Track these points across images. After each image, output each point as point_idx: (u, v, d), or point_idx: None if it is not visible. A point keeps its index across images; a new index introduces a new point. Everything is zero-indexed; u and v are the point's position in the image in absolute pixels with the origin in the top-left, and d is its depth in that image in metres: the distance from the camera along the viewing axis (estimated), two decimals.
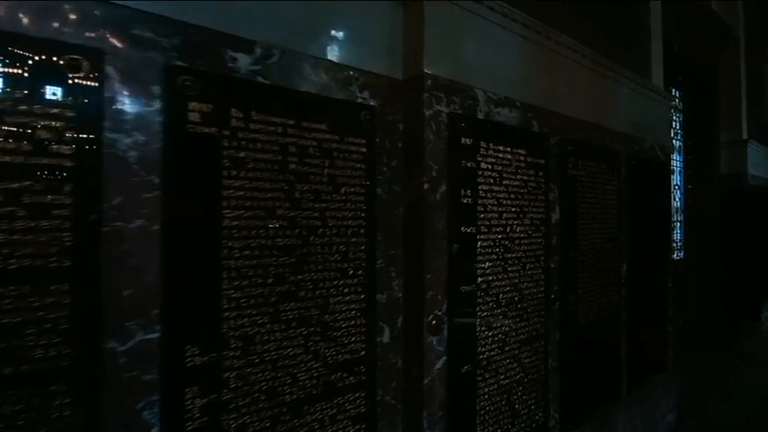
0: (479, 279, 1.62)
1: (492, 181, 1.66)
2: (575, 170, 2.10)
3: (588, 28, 2.69)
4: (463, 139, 1.57)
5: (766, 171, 5.25)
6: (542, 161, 1.90)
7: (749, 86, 4.93)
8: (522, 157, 1.80)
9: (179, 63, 1.08)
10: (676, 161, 4.39)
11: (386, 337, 1.49)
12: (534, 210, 1.86)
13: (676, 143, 4.40)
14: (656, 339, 2.85)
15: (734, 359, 4.19)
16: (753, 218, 4.53)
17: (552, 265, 1.97)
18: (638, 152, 2.65)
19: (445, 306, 1.52)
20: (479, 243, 1.61)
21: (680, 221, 4.43)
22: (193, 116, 1.09)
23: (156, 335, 1.04)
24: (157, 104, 1.05)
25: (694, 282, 4.50)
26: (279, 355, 1.22)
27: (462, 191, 1.56)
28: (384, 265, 1.48)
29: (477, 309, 1.61)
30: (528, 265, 1.82)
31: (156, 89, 1.05)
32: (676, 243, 4.36)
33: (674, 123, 4.37)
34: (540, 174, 1.89)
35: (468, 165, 1.58)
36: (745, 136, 4.64)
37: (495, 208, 1.67)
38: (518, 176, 1.78)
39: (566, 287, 2.04)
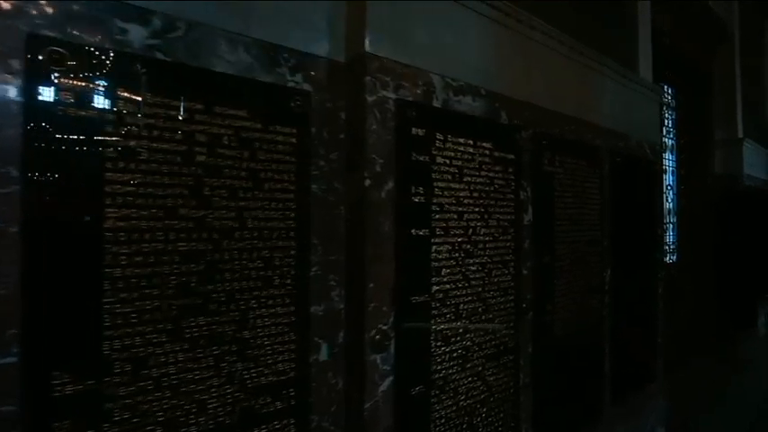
0: (435, 288, 1.43)
1: (450, 177, 1.48)
2: (551, 167, 1.92)
3: (571, 18, 2.52)
4: (415, 129, 1.38)
5: (763, 171, 5.08)
6: (512, 156, 1.72)
7: (745, 84, 4.76)
8: (487, 152, 1.61)
9: (47, 33, 0.90)
10: (669, 160, 4.21)
11: (323, 355, 1.30)
12: (502, 210, 1.67)
13: (669, 142, 4.22)
14: (645, 349, 2.67)
15: (730, 366, 4.01)
16: (748, 220, 4.35)
17: (525, 272, 1.79)
18: (623, 149, 2.47)
19: (392, 319, 1.33)
20: (435, 247, 1.43)
21: (672, 223, 4.25)
22: (65, 96, 0.91)
23: (12, 359, 0.86)
24: (17, 81, 0.87)
25: (688, 285, 4.32)
26: (181, 380, 1.04)
27: (413, 188, 1.37)
28: (321, 273, 1.30)
29: (433, 321, 1.42)
30: (495, 272, 1.64)
31: (17, 63, 0.87)
32: (669, 245, 4.18)
33: (666, 121, 4.20)
34: (510, 170, 1.71)
35: (421, 159, 1.40)
36: (740, 135, 4.46)
37: (453, 208, 1.49)
38: (482, 173, 1.59)
39: (540, 295, 1.85)
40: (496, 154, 1.65)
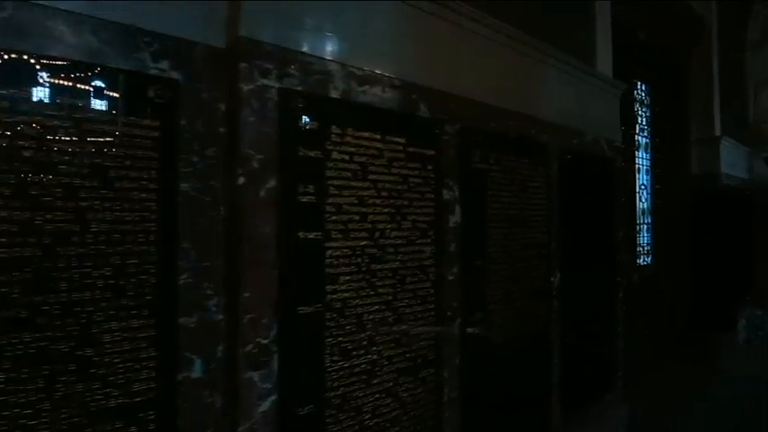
0: (330, 297, 1.30)
1: (350, 175, 1.35)
2: (483, 164, 1.79)
3: (520, 8, 2.39)
4: (304, 121, 1.26)
5: (743, 170, 4.95)
6: (432, 152, 1.59)
7: (724, 81, 4.63)
8: (400, 147, 1.49)
9: None
10: (643, 159, 4.09)
11: (196, 372, 1.17)
12: (420, 211, 1.54)
13: (643, 140, 4.10)
14: (603, 357, 2.54)
15: (705, 374, 3.87)
16: (725, 220, 4.22)
17: (450, 277, 1.66)
18: (576, 146, 2.34)
19: (274, 332, 1.20)
20: (330, 252, 1.30)
21: (647, 224, 4.12)
22: None
23: None
24: None
25: (663, 289, 4.18)
26: (1, 403, 0.91)
27: (302, 187, 1.25)
28: (193, 281, 1.17)
29: (327, 334, 1.29)
30: (409, 278, 1.51)
31: None
32: (643, 247, 4.05)
33: (640, 119, 4.07)
34: (430, 167, 1.58)
35: (312, 154, 1.27)
36: (717, 132, 4.33)
37: (355, 208, 1.36)
38: (393, 170, 1.47)
39: (470, 302, 1.73)
40: (412, 150, 1.52)
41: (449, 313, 1.64)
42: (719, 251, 4.26)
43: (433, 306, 1.58)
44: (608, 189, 2.60)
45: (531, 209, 2.03)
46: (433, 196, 1.59)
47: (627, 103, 3.85)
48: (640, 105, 4.08)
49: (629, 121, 3.85)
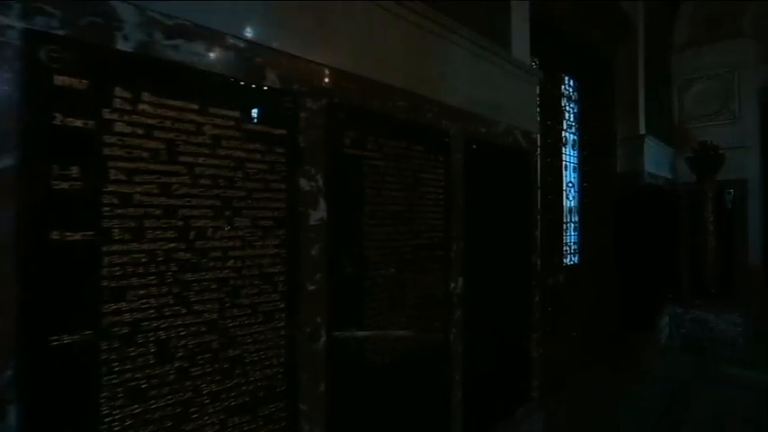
0: (109, 320, 0.95)
1: (148, 156, 1.01)
2: (358, 149, 1.50)
3: None
4: (63, 78, 0.90)
5: (666, 170, 5.01)
6: (283, 132, 1.27)
7: (650, 81, 4.64)
8: (232, 123, 1.16)
9: None
10: (571, 156, 3.99)
11: None
12: (263, 205, 1.23)
13: (571, 137, 4.00)
14: (516, 367, 2.33)
15: (628, 377, 3.82)
16: (648, 220, 4.21)
17: (311, 287, 1.35)
18: (484, 135, 2.11)
19: (10, 374, 0.85)
20: (110, 259, 0.95)
21: (574, 222, 4.03)
22: None
23: None
24: None
25: (590, 289, 4.12)
26: None
27: (59, 169, 0.89)
28: None
29: (105, 370, 0.95)
30: (246, 290, 1.19)
31: None
32: (569, 246, 3.95)
33: (568, 115, 3.97)
34: (280, 151, 1.26)
35: (78, 124, 0.92)
36: (642, 131, 4.32)
37: (156, 200, 1.02)
38: (221, 152, 1.14)
39: (339, 316, 1.43)
40: (251, 127, 1.20)
41: (308, 330, 1.34)
42: (645, 250, 4.25)
43: (283, 323, 1.27)
44: (524, 184, 2.40)
45: (426, 204, 1.76)
46: (284, 186, 1.27)
47: (554, 97, 3.73)
48: (568, 101, 3.97)
49: (556, 116, 3.73)
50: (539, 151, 3.32)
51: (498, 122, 2.20)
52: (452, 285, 1.89)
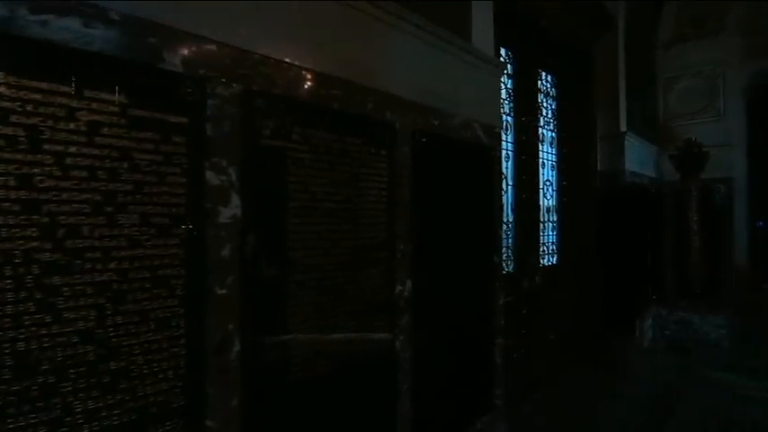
0: None
1: (2, 143, 0.89)
2: (280, 140, 1.38)
3: None
4: None
5: (651, 169, 4.91)
6: (184, 120, 1.15)
7: (634, 78, 4.55)
8: (115, 109, 1.04)
9: None
10: (548, 153, 3.88)
11: None
12: (157, 200, 1.10)
13: (548, 133, 3.89)
14: (475, 375, 2.21)
15: (610, 379, 3.70)
16: (630, 219, 4.10)
17: (221, 291, 1.23)
18: (437, 128, 1.99)
19: None
20: None
21: (552, 222, 3.91)
22: None
23: None
24: None
25: (570, 290, 4.00)
26: None
27: None
28: None
29: None
30: (134, 295, 1.06)
31: None
32: (548, 246, 3.83)
33: (545, 111, 3.86)
34: (178, 140, 1.14)
35: None
36: (623, 128, 4.22)
37: (13, 193, 0.90)
38: (101, 140, 1.01)
39: (256, 323, 1.31)
40: (141, 113, 1.08)
41: (217, 338, 1.21)
42: (628, 250, 4.14)
43: (182, 331, 1.14)
44: (484, 180, 2.28)
45: (367, 201, 1.65)
46: (184, 180, 1.15)
47: (530, 92, 3.62)
48: (545, 97, 3.86)
49: (532, 111, 3.62)
50: (508, 147, 3.21)
51: (454, 115, 2.09)
52: (399, 288, 1.77)
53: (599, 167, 4.13)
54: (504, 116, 3.29)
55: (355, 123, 1.61)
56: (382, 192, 1.70)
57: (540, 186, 3.73)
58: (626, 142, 4.11)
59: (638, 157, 4.46)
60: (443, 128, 2.02)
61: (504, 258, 3.26)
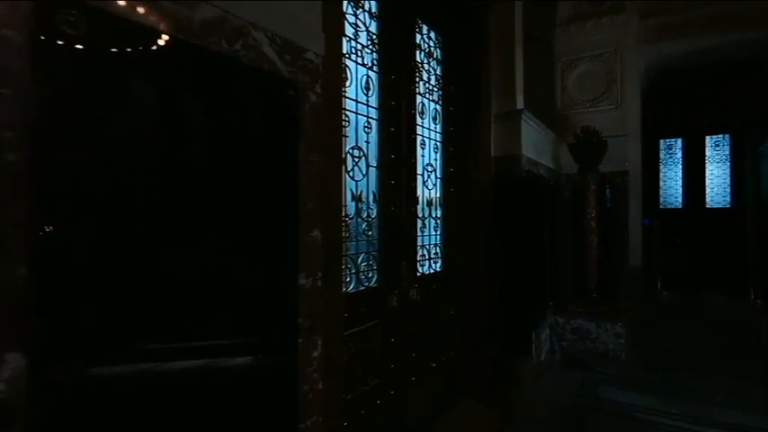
0: None
1: None
2: None
3: None
4: None
5: (549, 159, 4.33)
6: None
7: (528, 51, 3.89)
8: None
9: None
10: (431, 131, 3.03)
11: None
12: None
13: (431, 105, 3.04)
14: None
15: (498, 416, 2.96)
16: (525, 216, 3.43)
17: None
18: (149, 22, 0.95)
19: None
20: None
21: (436, 218, 3.08)
22: None
23: None
24: None
25: (457, 303, 3.21)
26: None
27: None
28: None
29: None
30: None
31: None
32: (428, 249, 2.99)
33: (429, 76, 3.00)
34: None
35: None
36: (520, 105, 3.53)
37: None
38: None
39: None
40: None
41: None
42: (524, 251, 3.45)
43: None
44: (280, 147, 1.28)
45: None
46: None
47: (404, 46, 2.72)
48: (427, 57, 3.01)
49: (408, 72, 2.73)
50: (369, 112, 2.27)
51: (200, 5, 1.06)
52: None
53: (493, 153, 3.39)
54: (364, 69, 2.35)
55: None
56: None
57: (419, 172, 2.86)
58: (523, 124, 3.42)
59: (535, 143, 3.82)
60: (177, 26, 0.98)
61: (363, 269, 2.33)
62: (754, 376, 3.42)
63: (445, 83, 3.18)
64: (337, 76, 1.69)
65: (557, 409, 3.08)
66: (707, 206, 8.91)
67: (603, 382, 3.51)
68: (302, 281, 1.32)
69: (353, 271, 2.23)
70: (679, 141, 9.24)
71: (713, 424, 2.75)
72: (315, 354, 1.38)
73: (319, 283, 1.40)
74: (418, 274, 2.82)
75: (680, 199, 9.22)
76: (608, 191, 4.52)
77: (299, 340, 1.32)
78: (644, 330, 4.34)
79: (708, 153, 9.02)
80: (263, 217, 1.23)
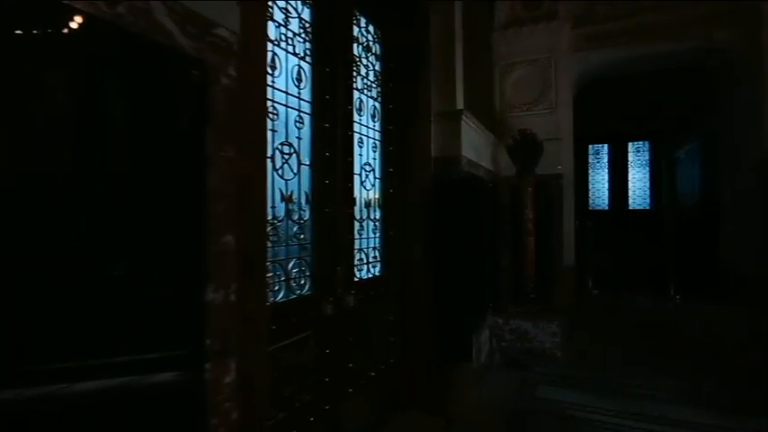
0: None
1: None
2: None
3: None
4: None
5: (488, 161, 4.36)
6: None
7: (468, 53, 3.88)
8: None
9: None
10: (370, 129, 2.90)
11: None
12: None
13: (369, 102, 2.91)
14: None
15: (443, 422, 2.88)
16: (465, 217, 3.39)
17: None
18: None
19: None
20: None
21: (374, 220, 2.95)
22: None
23: None
24: None
25: (398, 308, 3.10)
26: None
27: None
28: None
29: None
30: None
31: None
32: (367, 253, 2.85)
33: (366, 71, 2.86)
34: None
35: None
36: (459, 106, 3.49)
37: None
38: None
39: None
40: None
41: None
42: (464, 253, 3.41)
43: None
44: (181, 138, 1.08)
45: None
46: None
47: (341, 37, 2.56)
48: (366, 52, 2.87)
49: (345, 64, 2.57)
50: (301, 105, 2.08)
51: None
52: None
53: (433, 153, 3.32)
54: (295, 59, 2.16)
55: None
56: None
57: (357, 171, 2.71)
58: (463, 125, 3.38)
59: (475, 145, 3.81)
60: None
61: (294, 275, 2.13)
62: (677, 373, 3.61)
63: (384, 80, 3.06)
64: (259, 61, 1.50)
65: (499, 411, 3.05)
66: (629, 208, 9.54)
67: (542, 381, 3.55)
68: (211, 295, 1.12)
69: (283, 278, 2.03)
70: (606, 147, 9.82)
71: (649, 419, 2.84)
72: (227, 379, 1.18)
73: (233, 297, 1.20)
74: (355, 279, 2.67)
75: (606, 201, 9.79)
76: (548, 193, 4.64)
77: (207, 365, 1.12)
78: (578, 329, 4.47)
79: (630, 158, 9.66)
80: (158, 220, 1.02)
